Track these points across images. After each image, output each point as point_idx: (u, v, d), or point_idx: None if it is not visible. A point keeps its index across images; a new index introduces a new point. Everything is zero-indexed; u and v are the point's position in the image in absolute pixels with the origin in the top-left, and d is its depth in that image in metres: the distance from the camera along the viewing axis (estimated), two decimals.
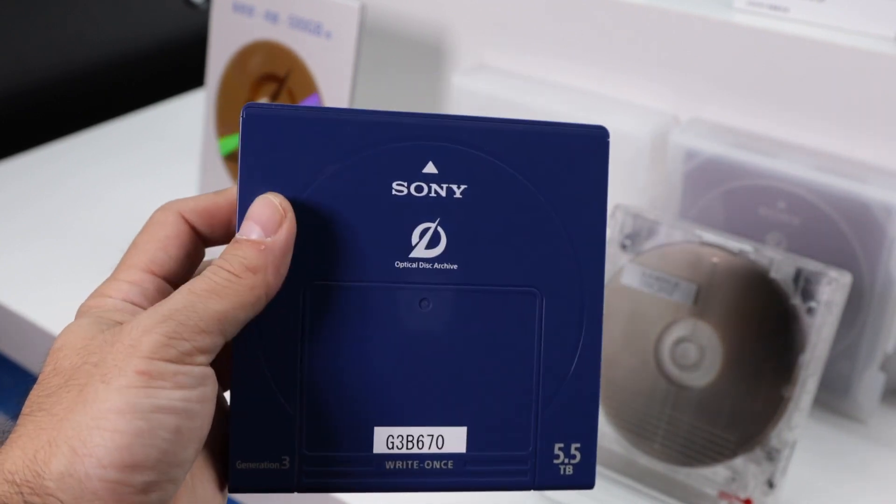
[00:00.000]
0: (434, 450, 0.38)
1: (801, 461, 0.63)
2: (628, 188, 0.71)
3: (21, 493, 0.31)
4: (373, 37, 0.85)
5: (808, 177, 0.65)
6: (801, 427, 0.59)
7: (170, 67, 1.26)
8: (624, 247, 0.65)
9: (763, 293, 0.60)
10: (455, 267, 0.38)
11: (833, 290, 0.58)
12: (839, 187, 0.64)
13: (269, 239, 0.35)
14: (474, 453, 0.38)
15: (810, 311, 0.59)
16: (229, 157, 0.84)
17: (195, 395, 0.33)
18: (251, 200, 0.36)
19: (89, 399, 0.32)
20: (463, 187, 0.38)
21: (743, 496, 0.59)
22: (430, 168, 0.38)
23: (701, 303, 0.61)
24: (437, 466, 0.38)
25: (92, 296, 0.39)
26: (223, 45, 0.83)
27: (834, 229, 0.65)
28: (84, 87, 1.18)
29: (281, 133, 0.37)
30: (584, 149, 0.40)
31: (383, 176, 0.37)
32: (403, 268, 0.38)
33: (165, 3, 1.24)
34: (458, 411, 0.38)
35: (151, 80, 1.25)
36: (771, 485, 0.59)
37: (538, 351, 0.39)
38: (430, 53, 0.84)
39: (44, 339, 0.78)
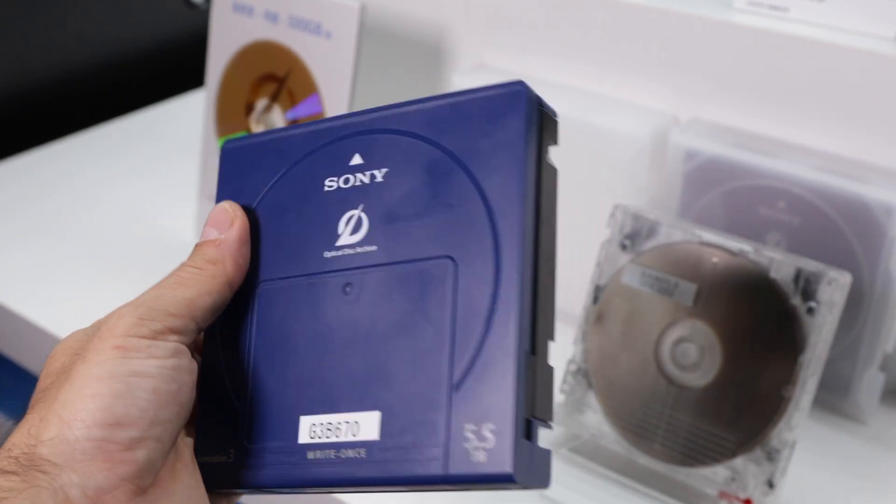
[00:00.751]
0: (350, 437, 0.36)
1: (801, 461, 0.63)
2: (628, 188, 0.71)
3: (19, 462, 0.34)
4: (373, 37, 0.85)
5: (808, 177, 0.65)
6: (801, 427, 0.59)
7: (170, 67, 1.26)
8: (624, 247, 0.65)
9: (763, 293, 0.60)
10: (375, 248, 0.38)
11: (833, 290, 0.58)
12: (839, 187, 0.64)
13: (223, 235, 0.40)
14: (386, 440, 0.35)
15: (810, 311, 0.59)
16: None
17: (169, 364, 0.36)
18: None
19: (73, 378, 0.36)
20: (384, 170, 0.39)
21: (743, 496, 0.59)
22: (356, 160, 0.39)
23: (701, 303, 0.61)
24: (352, 455, 0.36)
25: None
26: (223, 45, 0.83)
27: (834, 229, 0.65)
28: (84, 87, 1.18)
29: (243, 158, 0.43)
30: (501, 107, 0.37)
31: (317, 176, 0.40)
32: (331, 257, 0.39)
33: (165, 3, 1.24)
34: (372, 396, 0.36)
35: (151, 80, 1.25)
36: (771, 485, 0.59)
37: (451, 326, 0.35)
38: (430, 53, 0.84)
39: (44, 339, 0.78)
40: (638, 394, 0.63)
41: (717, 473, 0.60)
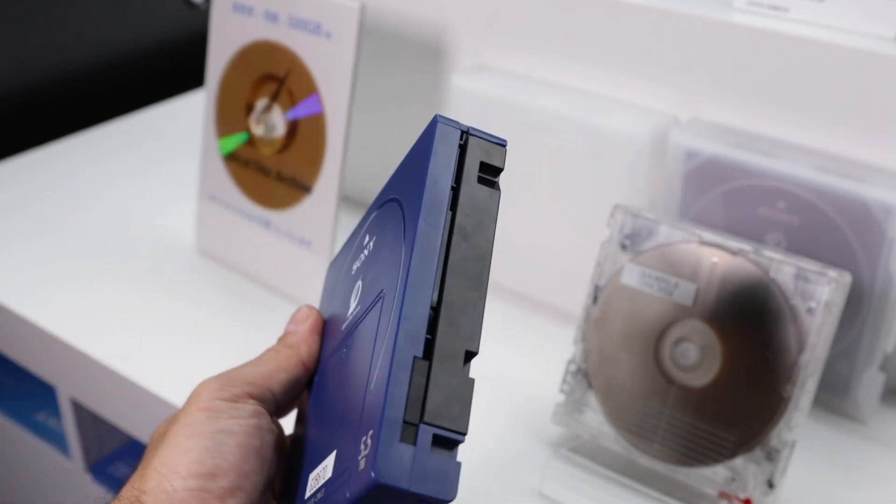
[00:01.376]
0: (321, 483, 0.38)
1: (801, 461, 0.63)
2: (628, 188, 0.71)
3: None
4: (373, 37, 0.85)
5: (808, 177, 0.65)
6: (801, 427, 0.59)
7: (170, 67, 1.26)
8: (624, 247, 0.65)
9: (763, 293, 0.60)
10: (359, 308, 0.41)
11: (833, 290, 0.58)
12: (839, 187, 0.64)
13: (299, 328, 0.47)
14: (335, 475, 0.36)
15: (810, 311, 0.59)
16: (229, 157, 0.84)
17: (250, 422, 0.41)
18: None
19: (168, 439, 0.41)
20: (373, 239, 0.42)
21: (743, 496, 0.59)
22: (366, 239, 0.44)
23: (701, 303, 0.61)
24: (320, 497, 0.37)
25: None
26: (223, 45, 0.83)
27: (834, 229, 0.65)
28: (84, 87, 1.18)
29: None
30: (424, 144, 0.38)
31: (349, 263, 0.46)
32: (344, 329, 0.43)
33: (165, 3, 1.24)
34: (332, 439, 0.38)
35: (151, 80, 1.25)
36: (771, 485, 0.59)
37: (371, 358, 0.36)
38: (430, 53, 0.84)
39: (44, 339, 0.79)
40: (638, 394, 0.63)
41: (717, 473, 0.60)
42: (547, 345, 0.76)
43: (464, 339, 0.34)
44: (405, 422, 0.32)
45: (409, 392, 0.32)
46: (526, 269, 0.80)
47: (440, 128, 0.37)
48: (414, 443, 0.32)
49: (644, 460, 0.62)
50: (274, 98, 0.80)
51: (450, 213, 0.35)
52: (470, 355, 0.34)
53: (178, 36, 1.27)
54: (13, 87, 1.10)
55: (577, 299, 0.72)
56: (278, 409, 0.45)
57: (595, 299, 0.65)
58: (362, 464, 0.32)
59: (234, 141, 0.84)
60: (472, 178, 0.36)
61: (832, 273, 0.58)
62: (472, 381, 0.33)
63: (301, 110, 0.78)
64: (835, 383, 0.68)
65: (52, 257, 0.87)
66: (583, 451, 0.64)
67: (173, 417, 0.43)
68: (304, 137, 0.78)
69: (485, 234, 0.36)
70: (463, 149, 0.37)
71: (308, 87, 0.77)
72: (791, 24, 0.68)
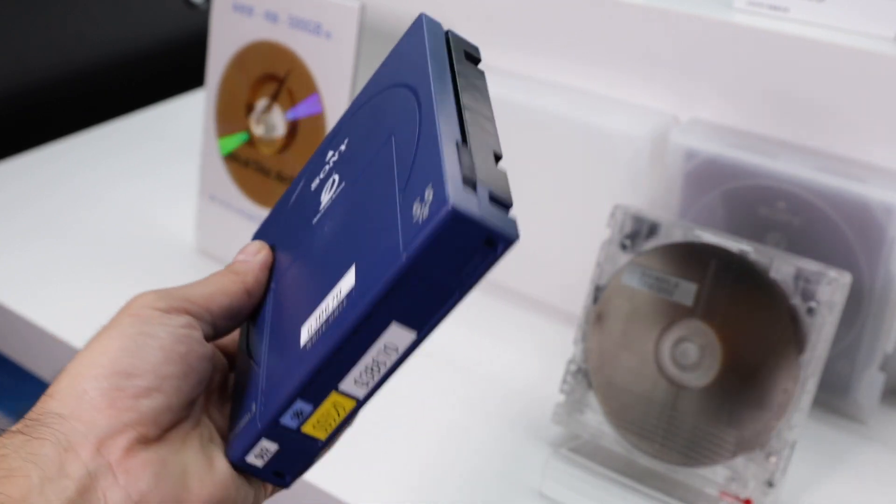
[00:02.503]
0: (335, 304, 0.37)
1: (801, 461, 0.63)
2: (628, 188, 0.71)
3: (27, 421, 0.36)
4: (373, 37, 0.85)
5: (808, 177, 0.65)
6: (801, 427, 0.59)
7: (170, 67, 1.26)
8: (624, 247, 0.65)
9: (763, 293, 0.60)
10: (344, 184, 0.42)
11: (833, 290, 0.58)
12: (839, 187, 0.64)
13: (249, 258, 0.45)
14: (360, 277, 0.36)
15: (810, 311, 0.59)
16: (229, 157, 0.84)
17: (179, 331, 0.39)
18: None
19: (88, 344, 0.38)
20: (346, 140, 0.44)
21: (743, 496, 0.59)
22: (329, 156, 0.45)
23: (701, 303, 0.61)
24: (337, 314, 0.37)
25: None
26: (223, 45, 0.83)
27: (834, 229, 0.65)
28: (84, 87, 1.18)
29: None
30: (411, 38, 0.45)
31: (308, 183, 0.46)
32: (316, 221, 0.43)
33: (165, 3, 1.24)
34: (345, 261, 0.38)
35: (151, 80, 1.25)
36: (771, 485, 0.59)
37: (394, 171, 0.38)
38: None
39: (44, 339, 0.78)
40: (638, 394, 0.63)
41: (717, 473, 0.60)
42: (547, 345, 0.76)
43: (491, 142, 0.37)
44: (464, 177, 0.33)
45: (460, 159, 0.34)
46: (526, 269, 0.80)
47: (427, 20, 0.44)
48: (475, 193, 0.33)
49: (644, 460, 0.62)
50: (274, 98, 0.80)
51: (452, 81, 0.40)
52: (497, 158, 0.36)
53: (178, 36, 1.27)
54: (13, 87, 1.10)
55: (577, 299, 0.72)
56: (214, 335, 0.42)
57: (595, 299, 0.65)
58: (425, 212, 0.33)
59: (235, 141, 0.84)
60: (461, 59, 0.42)
61: (832, 273, 0.58)
62: (504, 173, 0.35)
63: (301, 110, 0.78)
64: (835, 383, 0.68)
65: (52, 257, 0.87)
66: (583, 451, 0.64)
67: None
68: (304, 137, 0.78)
69: (487, 100, 0.40)
70: (447, 40, 0.43)
71: (308, 87, 0.77)
72: (791, 24, 0.68)
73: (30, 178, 1.01)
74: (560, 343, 0.74)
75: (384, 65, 0.47)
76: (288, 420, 0.38)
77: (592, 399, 0.65)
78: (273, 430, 0.38)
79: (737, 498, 0.59)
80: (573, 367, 0.66)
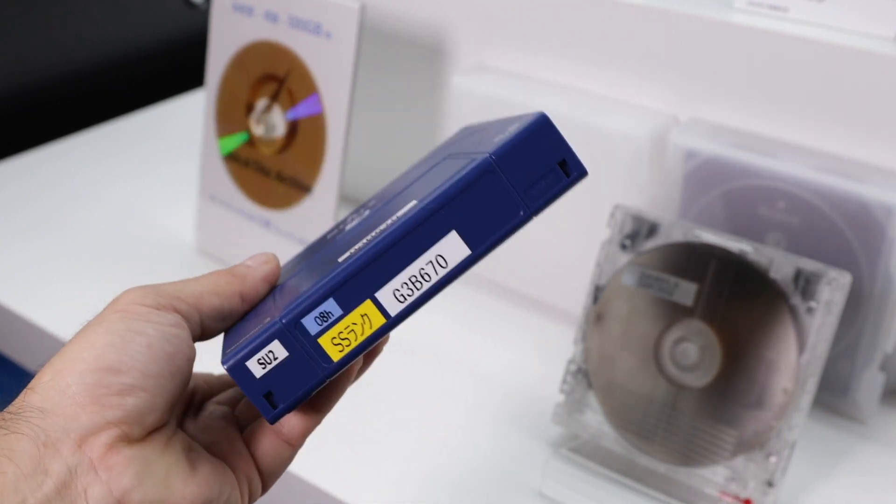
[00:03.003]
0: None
1: (801, 461, 0.63)
2: (628, 188, 0.71)
3: (7, 415, 0.35)
4: (373, 37, 0.85)
5: (808, 177, 0.65)
6: (801, 427, 0.59)
7: (170, 67, 1.26)
8: (624, 247, 0.65)
9: (763, 293, 0.60)
10: (377, 206, 0.42)
11: (833, 290, 0.58)
12: (839, 187, 0.64)
13: (254, 265, 0.43)
14: (424, 196, 0.36)
15: (810, 311, 0.59)
16: (229, 157, 0.84)
17: (167, 330, 0.38)
18: None
19: (73, 339, 0.37)
20: (373, 202, 0.44)
21: (743, 496, 0.59)
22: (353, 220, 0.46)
23: (701, 303, 0.61)
24: (393, 224, 0.36)
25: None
26: (223, 45, 0.83)
27: (834, 229, 0.65)
28: (84, 87, 1.18)
29: None
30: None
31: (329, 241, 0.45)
32: (331, 236, 0.44)
33: (165, 3, 1.24)
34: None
35: (151, 80, 1.25)
36: (771, 485, 0.59)
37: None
38: (430, 53, 0.84)
39: (44, 339, 0.78)
40: (638, 394, 0.63)
41: (717, 473, 0.60)
42: (547, 345, 0.76)
43: None
44: None
45: None
46: (526, 269, 0.80)
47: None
48: None
49: (644, 460, 0.62)
50: (274, 98, 0.80)
51: None
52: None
53: (178, 36, 1.27)
54: (13, 87, 1.10)
55: (577, 299, 0.72)
56: (202, 335, 0.41)
57: (595, 299, 0.65)
58: (514, 127, 0.35)
59: (234, 141, 0.84)
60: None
61: (832, 273, 0.58)
62: None
63: (301, 110, 0.78)
64: (835, 383, 0.68)
65: (52, 257, 0.87)
66: (583, 451, 0.64)
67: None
68: (304, 137, 0.78)
69: None
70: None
71: (308, 87, 0.77)
72: (791, 24, 0.68)
73: (30, 178, 1.01)
74: (560, 343, 0.74)
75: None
76: (310, 322, 0.36)
77: (592, 399, 0.65)
78: (290, 332, 0.36)
79: (737, 498, 0.59)
80: (573, 367, 0.66)
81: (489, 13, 0.80)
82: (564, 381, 0.66)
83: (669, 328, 0.62)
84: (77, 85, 1.17)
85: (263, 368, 0.37)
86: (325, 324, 0.36)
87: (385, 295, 0.35)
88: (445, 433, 0.68)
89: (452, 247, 0.35)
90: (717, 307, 0.61)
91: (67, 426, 0.35)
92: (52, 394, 0.35)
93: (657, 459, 0.62)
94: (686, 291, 0.62)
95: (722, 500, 0.60)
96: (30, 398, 0.35)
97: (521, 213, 0.35)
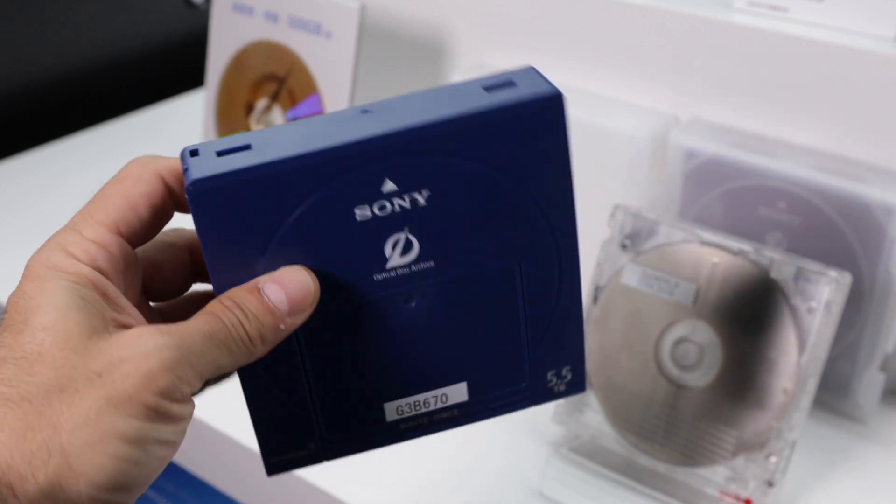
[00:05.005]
0: (440, 405, 0.42)
1: (801, 461, 0.63)
2: (628, 188, 0.71)
3: (2, 495, 0.31)
4: (373, 37, 0.85)
5: (808, 177, 0.65)
6: (801, 427, 0.59)
7: (170, 67, 1.26)
8: (624, 247, 0.65)
9: (763, 293, 0.60)
10: (432, 264, 0.39)
11: (833, 290, 0.58)
12: (839, 187, 0.64)
13: (289, 319, 0.36)
14: (476, 398, 0.42)
15: (810, 311, 0.59)
16: None
17: (184, 428, 0.34)
18: (221, 266, 0.37)
19: (92, 417, 0.31)
20: (426, 193, 0.38)
21: (743, 496, 0.59)
22: (388, 186, 0.37)
23: (701, 303, 0.61)
24: (446, 416, 0.42)
25: (54, 248, 0.37)
26: (223, 45, 0.83)
27: (834, 229, 0.65)
28: (84, 87, 1.18)
29: (227, 200, 0.36)
30: (539, 117, 0.39)
31: (344, 207, 0.37)
32: (383, 279, 0.39)
33: (165, 3, 1.24)
34: (455, 372, 0.42)
35: (151, 80, 1.25)
36: (771, 485, 0.59)
37: (522, 308, 0.41)
38: (430, 53, 0.84)
39: None
40: (638, 393, 0.63)
41: (717, 473, 0.60)
42: None
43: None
44: None
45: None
46: None
47: (565, 113, 0.40)
48: None
49: (644, 460, 0.62)
50: (274, 98, 0.80)
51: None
52: None
53: (178, 36, 1.27)
54: (13, 87, 1.10)
55: None
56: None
57: (595, 299, 0.65)
58: (562, 387, 0.44)
59: None
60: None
61: (832, 273, 0.58)
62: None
63: (301, 110, 0.78)
64: (835, 383, 0.68)
65: None
66: (583, 451, 0.64)
67: (101, 372, 0.32)
68: None
69: None
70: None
71: (308, 87, 0.77)
72: (791, 24, 0.68)
73: (30, 178, 1.01)
74: None
75: (472, 120, 0.38)
76: None
77: (592, 399, 0.65)
78: None
79: (737, 498, 0.59)
80: None
81: (489, 13, 0.80)
82: None
83: (669, 328, 0.62)
84: (77, 85, 1.17)
85: None
86: None
87: None
88: (445, 433, 0.68)
89: None
90: (717, 307, 0.61)
91: None
92: (59, 495, 0.31)
93: (657, 459, 0.62)
94: (686, 291, 0.62)
95: (722, 500, 0.60)
96: (30, 489, 0.31)
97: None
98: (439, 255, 0.39)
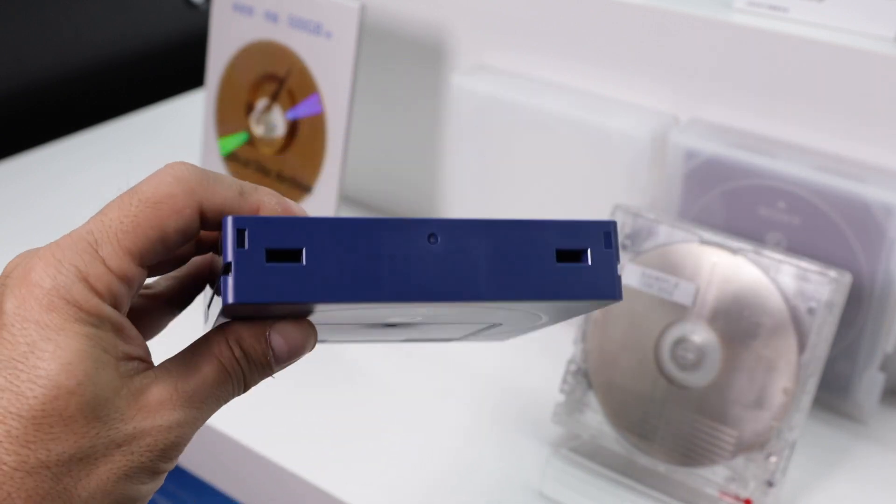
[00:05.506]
0: None
1: (801, 461, 0.63)
2: (628, 188, 0.71)
3: None
4: (373, 37, 0.85)
5: (808, 177, 0.65)
6: (801, 427, 0.59)
7: (170, 67, 1.26)
8: (624, 247, 0.65)
9: (763, 293, 0.60)
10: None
11: (833, 290, 0.58)
12: (839, 187, 0.64)
13: (278, 368, 0.36)
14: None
15: (810, 311, 0.59)
16: (229, 157, 0.84)
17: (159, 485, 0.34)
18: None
19: (109, 489, 0.32)
20: (423, 311, 0.36)
21: (743, 496, 0.59)
22: (393, 319, 0.38)
23: (701, 303, 0.61)
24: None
25: (74, 276, 0.35)
26: (223, 45, 0.83)
27: (834, 229, 0.65)
28: (84, 87, 1.18)
29: (268, 308, 0.33)
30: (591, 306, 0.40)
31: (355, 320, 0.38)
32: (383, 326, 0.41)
33: (165, 3, 1.24)
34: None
35: (151, 80, 1.25)
36: (771, 485, 0.59)
37: None
38: (430, 53, 0.84)
39: None
40: (638, 394, 0.63)
41: (717, 473, 0.60)
42: (547, 345, 0.76)
43: None
44: None
45: None
46: None
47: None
48: None
49: (644, 460, 0.62)
50: (274, 98, 0.80)
51: None
52: None
53: (178, 36, 1.27)
54: (13, 87, 1.10)
55: None
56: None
57: None
58: None
59: (235, 141, 0.84)
60: None
61: (832, 273, 0.58)
62: None
63: (301, 110, 0.78)
64: (835, 383, 0.68)
65: None
66: (583, 451, 0.64)
67: (120, 442, 0.32)
68: (305, 137, 0.78)
69: None
70: None
71: (308, 87, 0.77)
72: (791, 24, 0.68)
73: (30, 178, 1.01)
74: (560, 343, 0.74)
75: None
76: None
77: (592, 399, 0.65)
78: None
79: (737, 498, 0.59)
80: (573, 367, 0.66)
81: (489, 13, 0.80)
82: (564, 381, 0.66)
83: (669, 328, 0.62)
84: (77, 85, 1.17)
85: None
86: None
87: None
88: (446, 433, 0.68)
89: None
90: (717, 307, 0.61)
91: None
92: None
93: (657, 459, 0.62)
94: (686, 291, 0.62)
95: (722, 500, 0.60)
96: None
97: None
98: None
